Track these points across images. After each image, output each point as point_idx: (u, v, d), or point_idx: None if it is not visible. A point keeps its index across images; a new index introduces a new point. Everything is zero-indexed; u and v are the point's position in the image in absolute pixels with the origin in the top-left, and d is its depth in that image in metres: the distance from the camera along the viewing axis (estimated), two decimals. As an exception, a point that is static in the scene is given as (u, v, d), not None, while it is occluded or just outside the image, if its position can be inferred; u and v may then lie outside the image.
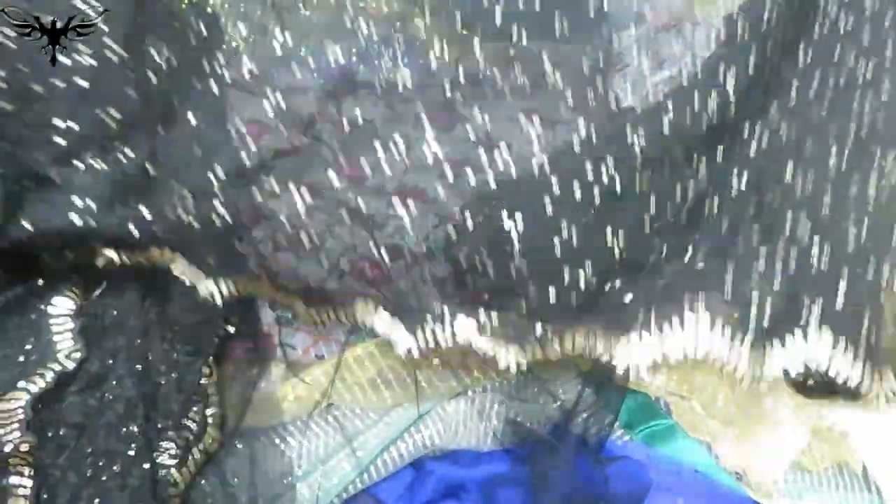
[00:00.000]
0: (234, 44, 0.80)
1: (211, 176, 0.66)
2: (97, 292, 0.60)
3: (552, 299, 0.61)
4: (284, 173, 0.73)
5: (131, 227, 0.57)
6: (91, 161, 0.59)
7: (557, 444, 0.59)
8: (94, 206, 0.57)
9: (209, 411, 0.59)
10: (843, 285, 0.58)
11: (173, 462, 0.55)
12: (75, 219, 0.56)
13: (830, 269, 0.58)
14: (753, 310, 0.56)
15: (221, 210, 0.63)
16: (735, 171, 0.66)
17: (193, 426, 0.57)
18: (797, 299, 0.57)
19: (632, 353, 0.57)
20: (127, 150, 0.61)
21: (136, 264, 0.60)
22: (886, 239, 0.60)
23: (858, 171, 0.63)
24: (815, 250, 0.59)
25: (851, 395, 0.57)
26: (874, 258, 0.59)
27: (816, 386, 0.58)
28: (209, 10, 0.78)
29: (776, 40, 0.74)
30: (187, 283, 0.62)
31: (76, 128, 0.60)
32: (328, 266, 0.64)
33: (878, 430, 0.61)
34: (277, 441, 0.60)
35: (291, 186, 0.71)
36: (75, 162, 0.59)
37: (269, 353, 0.63)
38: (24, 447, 0.52)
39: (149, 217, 0.58)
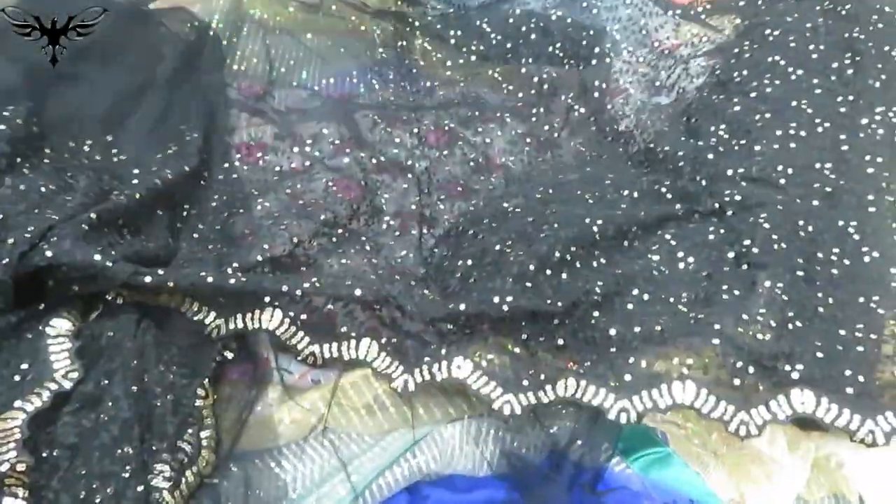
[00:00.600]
0: (235, 66, 0.81)
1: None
2: (94, 315, 0.60)
3: (541, 336, 0.61)
4: (285, 195, 0.74)
5: (147, 279, 0.58)
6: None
7: (553, 474, 0.58)
8: (115, 253, 0.58)
9: (204, 434, 0.58)
10: (819, 344, 0.59)
11: (167, 485, 0.55)
12: (97, 257, 0.56)
13: (805, 328, 0.59)
14: (736, 381, 0.58)
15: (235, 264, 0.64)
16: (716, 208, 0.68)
17: (188, 448, 0.57)
18: (777, 363, 0.58)
19: (622, 404, 0.59)
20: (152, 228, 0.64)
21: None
22: (857, 297, 0.62)
23: (828, 232, 0.64)
24: (789, 311, 0.60)
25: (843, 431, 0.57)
26: (844, 315, 0.60)
27: (810, 421, 0.58)
28: (212, 32, 0.79)
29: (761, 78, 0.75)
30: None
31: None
32: (344, 300, 0.64)
33: (874, 460, 0.61)
34: (272, 465, 0.60)
35: (292, 209, 0.71)
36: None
37: (265, 376, 0.63)
38: (21, 467, 0.51)
39: (163, 273, 0.59)
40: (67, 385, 0.54)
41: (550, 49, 0.88)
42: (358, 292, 0.62)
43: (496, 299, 0.60)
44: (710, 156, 0.71)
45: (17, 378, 0.54)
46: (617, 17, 0.89)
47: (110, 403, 0.55)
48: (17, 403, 0.53)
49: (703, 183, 0.70)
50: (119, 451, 0.54)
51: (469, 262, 0.66)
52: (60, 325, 0.57)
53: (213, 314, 0.62)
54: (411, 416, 0.62)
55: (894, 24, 0.79)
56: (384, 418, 0.62)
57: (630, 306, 0.63)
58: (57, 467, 0.53)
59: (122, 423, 0.54)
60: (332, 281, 0.64)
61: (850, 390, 0.58)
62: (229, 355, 0.63)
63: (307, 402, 0.62)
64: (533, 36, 0.88)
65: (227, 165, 0.74)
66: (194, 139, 0.72)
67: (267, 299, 0.62)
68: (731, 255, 0.65)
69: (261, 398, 0.62)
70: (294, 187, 0.75)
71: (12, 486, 0.51)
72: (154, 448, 0.55)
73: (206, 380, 0.60)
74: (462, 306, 0.61)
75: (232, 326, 0.62)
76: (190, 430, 0.57)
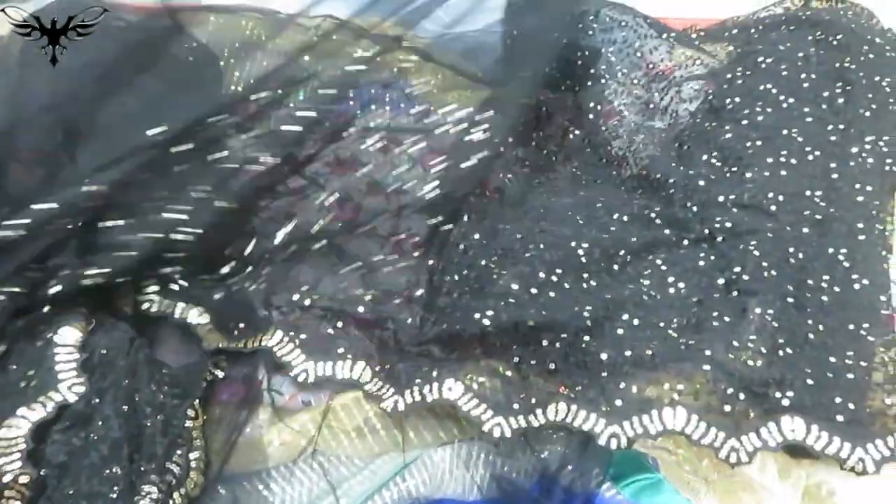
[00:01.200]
0: (232, 86, 0.81)
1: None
2: (88, 330, 0.60)
3: (533, 360, 0.62)
4: (279, 214, 0.74)
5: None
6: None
7: (543, 499, 0.58)
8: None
9: (193, 455, 0.58)
10: (810, 371, 0.59)
11: (154, 506, 0.55)
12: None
13: (795, 355, 0.60)
14: (727, 407, 0.58)
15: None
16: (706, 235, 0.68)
17: (176, 470, 0.57)
18: (767, 389, 0.58)
19: (613, 429, 0.58)
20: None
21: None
22: (847, 324, 0.62)
23: (818, 259, 0.64)
24: (779, 338, 0.60)
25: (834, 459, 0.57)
26: (834, 342, 0.61)
27: (801, 449, 0.58)
28: (207, 52, 0.79)
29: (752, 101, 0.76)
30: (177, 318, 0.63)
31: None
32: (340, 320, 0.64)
33: (865, 489, 0.61)
34: (261, 487, 0.59)
35: (286, 226, 0.72)
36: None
37: (256, 398, 0.63)
38: (24, 479, 0.51)
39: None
40: (72, 398, 0.54)
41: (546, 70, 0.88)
42: (354, 311, 0.62)
43: (477, 316, 0.61)
44: (702, 182, 0.72)
45: (22, 384, 0.54)
46: (612, 38, 0.90)
47: (100, 422, 0.55)
48: (21, 411, 0.52)
49: (695, 209, 0.70)
50: (107, 471, 0.53)
51: (456, 278, 0.66)
52: (69, 335, 0.57)
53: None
54: (402, 439, 0.62)
55: (885, 54, 0.80)
56: (374, 441, 0.62)
57: (620, 331, 0.63)
58: (44, 486, 0.52)
59: (112, 443, 0.54)
60: (329, 300, 0.64)
61: (840, 418, 0.58)
62: (220, 374, 0.63)
63: (297, 424, 0.62)
64: (530, 56, 0.88)
65: (218, 182, 0.74)
66: (189, 157, 0.72)
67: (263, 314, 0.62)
68: (721, 281, 0.65)
69: (251, 420, 0.62)
70: (290, 208, 0.75)
71: (10, 500, 0.51)
72: (142, 469, 0.55)
73: (197, 401, 0.60)
74: (445, 325, 0.61)
75: (232, 344, 0.62)
76: (179, 452, 0.57)
